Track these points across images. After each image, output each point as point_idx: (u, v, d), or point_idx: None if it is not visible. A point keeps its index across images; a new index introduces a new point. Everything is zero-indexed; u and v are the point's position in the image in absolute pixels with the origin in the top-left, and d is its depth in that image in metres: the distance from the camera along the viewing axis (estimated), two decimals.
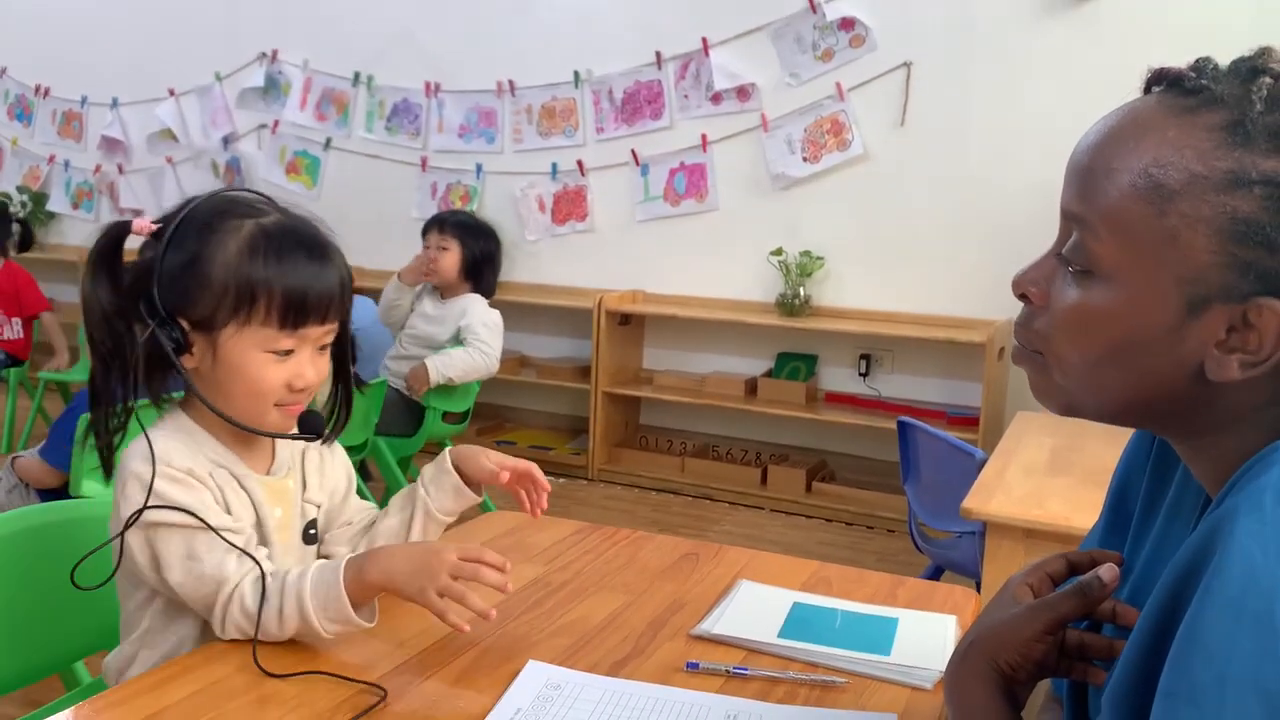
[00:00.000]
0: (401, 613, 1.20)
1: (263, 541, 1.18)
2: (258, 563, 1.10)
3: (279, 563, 1.18)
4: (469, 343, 3.36)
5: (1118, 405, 0.73)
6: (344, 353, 1.24)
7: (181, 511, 1.09)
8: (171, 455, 1.12)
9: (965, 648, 0.80)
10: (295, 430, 1.20)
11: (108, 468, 1.16)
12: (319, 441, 1.22)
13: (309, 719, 0.95)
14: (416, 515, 1.26)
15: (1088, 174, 0.73)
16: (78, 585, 1.10)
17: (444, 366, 3.29)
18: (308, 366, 1.16)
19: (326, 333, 1.17)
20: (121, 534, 1.10)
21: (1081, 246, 0.72)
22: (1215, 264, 0.65)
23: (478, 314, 3.42)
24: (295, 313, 1.12)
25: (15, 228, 4.18)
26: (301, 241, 1.15)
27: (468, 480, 1.28)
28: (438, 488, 1.27)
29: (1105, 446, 2.34)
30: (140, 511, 1.09)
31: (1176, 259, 0.67)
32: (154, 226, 1.15)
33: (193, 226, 1.13)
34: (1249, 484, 0.63)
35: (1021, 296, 0.78)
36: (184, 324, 1.12)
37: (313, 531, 1.26)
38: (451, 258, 3.47)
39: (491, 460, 1.29)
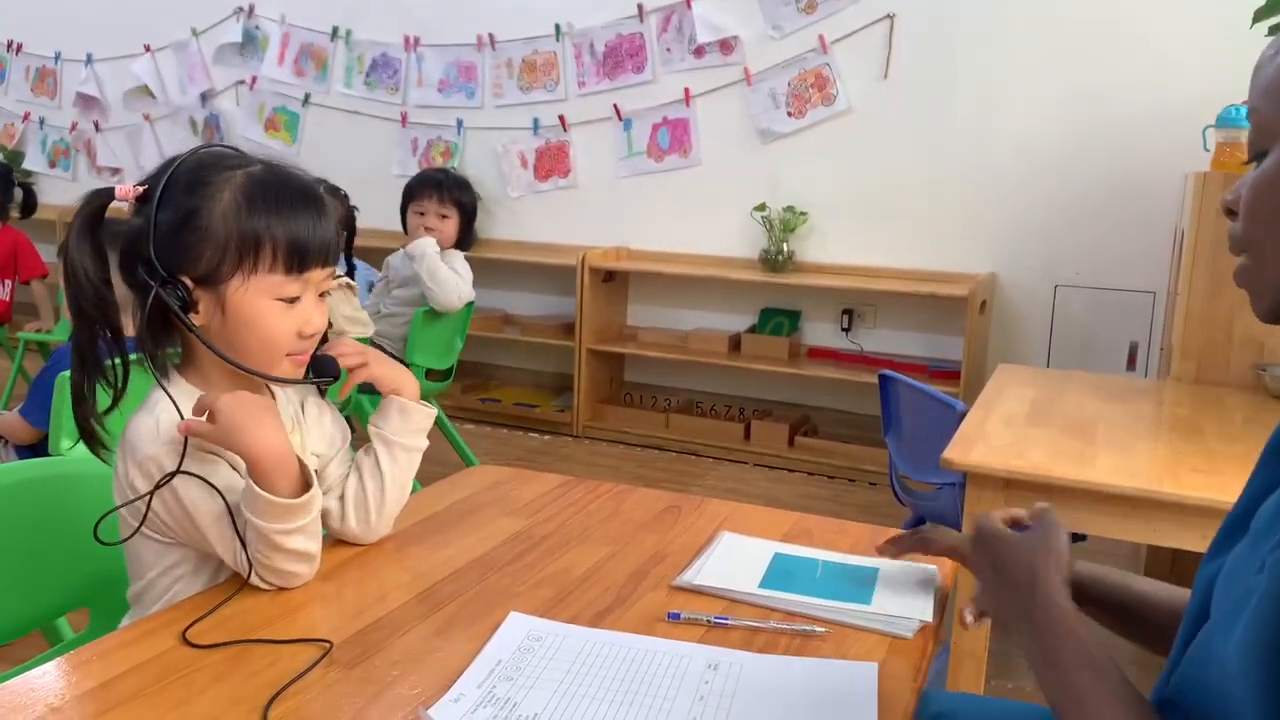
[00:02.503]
0: (366, 574, 1.20)
1: None
2: (238, 534, 1.10)
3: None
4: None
5: None
6: None
7: (207, 484, 1.10)
8: (167, 421, 1.11)
9: (1042, 572, 0.90)
10: (311, 376, 1.20)
11: (87, 437, 1.15)
12: (334, 383, 1.22)
13: (241, 684, 0.95)
14: (376, 448, 1.26)
15: (1255, 72, 0.79)
16: (101, 541, 1.11)
17: (435, 264, 3.28)
18: (314, 312, 1.16)
19: (327, 276, 1.17)
20: (146, 504, 1.10)
21: (1252, 131, 0.77)
22: None
23: (457, 261, 3.42)
24: (300, 257, 1.12)
25: (17, 192, 4.12)
26: (296, 187, 1.14)
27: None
28: (382, 415, 1.27)
29: (1085, 397, 2.36)
30: (172, 475, 1.08)
31: None
32: (139, 190, 1.14)
33: (181, 184, 1.12)
34: None
35: (1227, 212, 0.81)
36: (187, 282, 1.11)
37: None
38: (452, 225, 3.44)
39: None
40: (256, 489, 1.08)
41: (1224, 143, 2.66)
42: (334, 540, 1.28)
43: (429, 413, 1.29)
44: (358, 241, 3.91)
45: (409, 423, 1.27)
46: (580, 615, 1.11)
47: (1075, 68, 3.83)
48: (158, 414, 1.11)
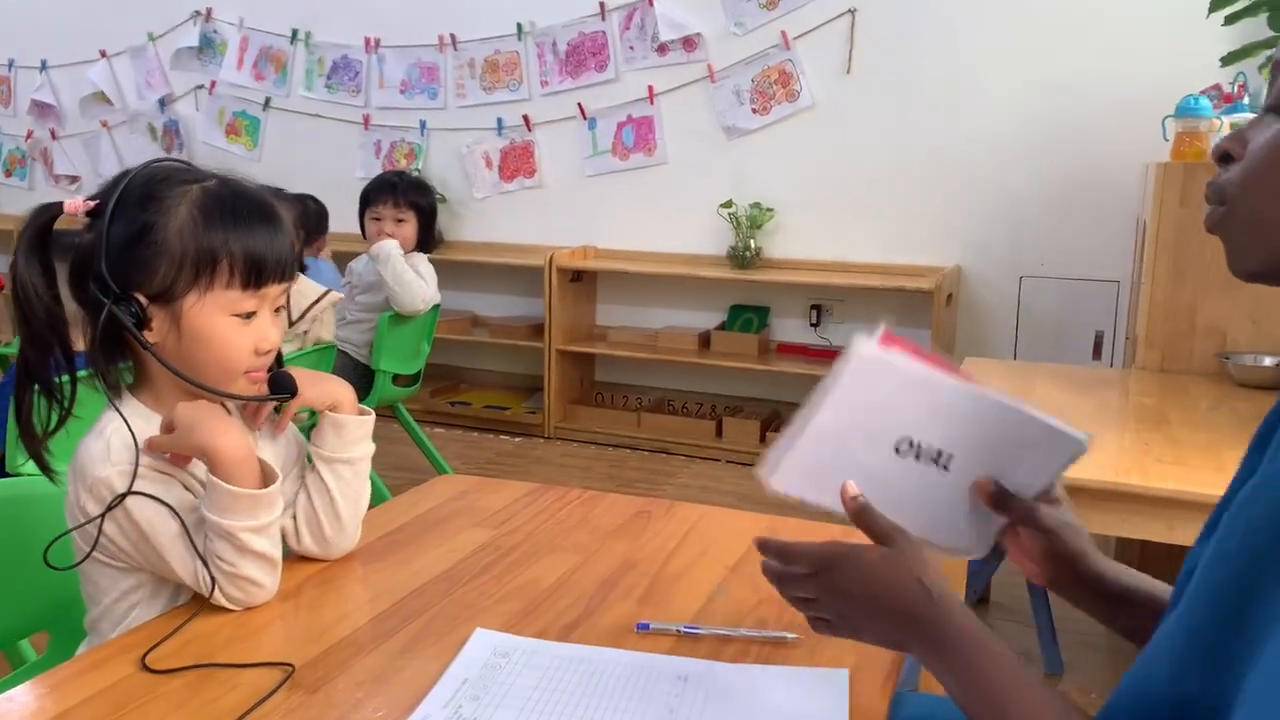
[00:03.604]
0: (328, 593, 1.18)
1: None
2: (199, 554, 1.08)
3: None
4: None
5: None
6: None
7: (160, 503, 1.08)
8: (130, 447, 1.08)
9: (932, 585, 0.84)
10: (269, 393, 1.18)
11: (37, 459, 1.12)
12: (291, 399, 1.19)
13: (201, 710, 0.93)
14: (318, 466, 1.23)
15: None
16: (51, 565, 1.09)
17: (400, 267, 3.25)
18: (271, 328, 1.14)
19: (283, 292, 1.16)
20: (99, 528, 1.08)
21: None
22: None
23: (421, 264, 3.39)
24: (258, 272, 1.10)
25: None
26: (252, 202, 1.13)
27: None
28: (318, 434, 1.24)
29: (1052, 389, 2.37)
30: (122, 497, 1.06)
31: None
32: (89, 204, 1.11)
33: (134, 198, 1.09)
34: None
35: (1221, 158, 0.76)
36: (141, 299, 1.09)
37: None
38: (410, 228, 3.39)
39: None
40: (220, 483, 1.06)
41: (1183, 132, 2.68)
42: (296, 558, 1.25)
43: (364, 421, 1.25)
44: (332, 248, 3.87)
45: (344, 437, 1.24)
46: (549, 629, 1.10)
47: (1036, 60, 3.85)
48: (108, 435, 1.09)
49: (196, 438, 1.07)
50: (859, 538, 0.90)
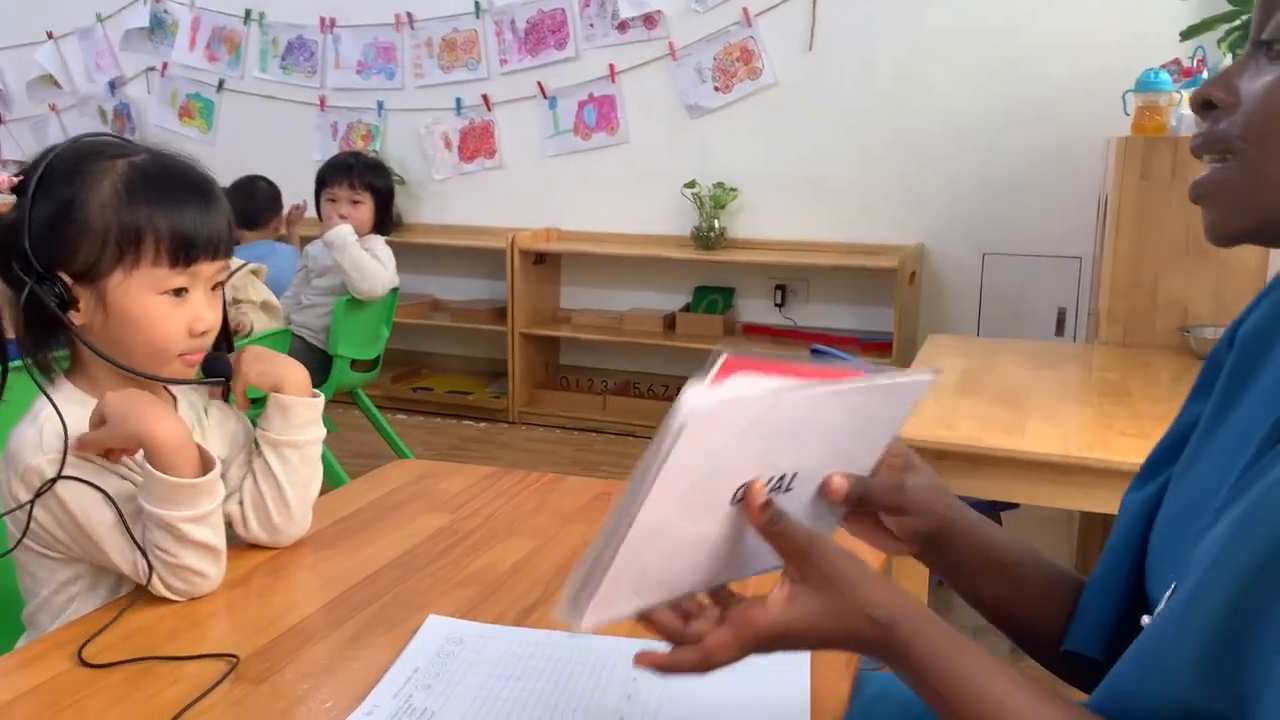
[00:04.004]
0: (276, 581, 1.15)
1: None
2: (133, 539, 1.04)
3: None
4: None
5: None
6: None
7: (93, 487, 1.04)
8: (53, 432, 1.04)
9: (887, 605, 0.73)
10: (202, 375, 1.13)
11: None
12: (227, 383, 1.16)
13: (141, 705, 0.89)
14: (264, 450, 1.19)
15: None
16: None
17: (356, 253, 3.20)
18: (205, 308, 1.09)
19: (219, 270, 1.11)
20: (29, 516, 1.03)
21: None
22: None
23: (378, 247, 3.33)
24: (186, 249, 1.06)
25: None
26: (182, 177, 1.09)
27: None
28: (264, 417, 1.20)
29: (1015, 365, 2.37)
30: (52, 482, 1.02)
31: None
32: (14, 180, 1.07)
33: (59, 173, 1.05)
34: None
35: (1203, 105, 0.70)
36: (65, 278, 1.05)
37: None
38: (366, 210, 3.32)
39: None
40: (157, 473, 1.02)
41: (1144, 107, 2.68)
42: (245, 546, 1.21)
43: (312, 403, 1.21)
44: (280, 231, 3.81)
45: (290, 420, 1.19)
46: (505, 614, 1.07)
47: (997, 36, 3.85)
48: (41, 423, 1.04)
49: (130, 427, 1.02)
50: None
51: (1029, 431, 1.85)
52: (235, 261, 1.19)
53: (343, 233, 3.21)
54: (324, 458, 1.26)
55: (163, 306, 1.07)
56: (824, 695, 0.93)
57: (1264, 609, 0.58)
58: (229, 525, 1.19)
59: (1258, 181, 0.66)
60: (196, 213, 1.06)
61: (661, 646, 0.76)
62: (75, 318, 1.06)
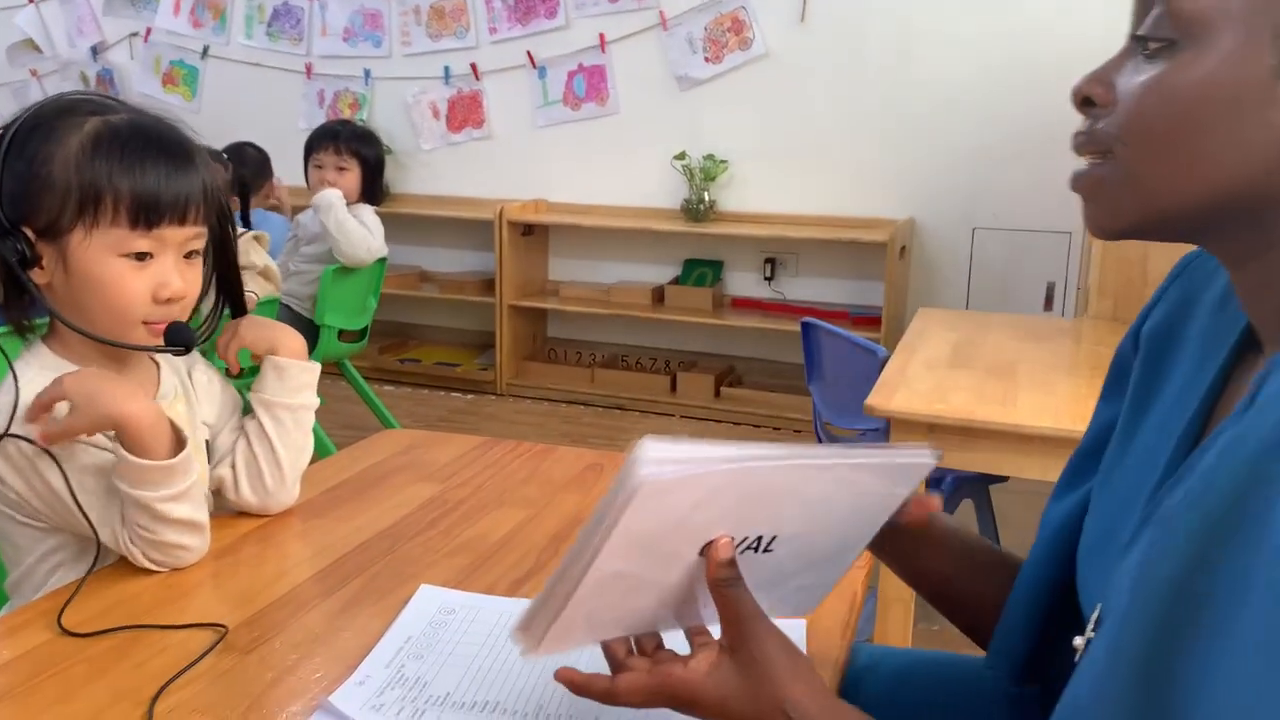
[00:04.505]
0: (265, 551, 1.14)
1: None
2: (86, 518, 1.02)
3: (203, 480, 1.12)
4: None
5: (1194, 198, 0.65)
6: (228, 263, 1.16)
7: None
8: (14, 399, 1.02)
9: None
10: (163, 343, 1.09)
11: None
12: (187, 353, 1.13)
13: (127, 675, 0.88)
14: (258, 412, 1.18)
15: None
16: None
17: (342, 216, 3.17)
18: (172, 274, 1.06)
19: (191, 237, 1.07)
20: None
21: (1165, 15, 0.64)
22: None
23: (367, 215, 3.32)
24: (147, 211, 1.02)
25: None
26: (153, 137, 1.05)
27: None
28: (259, 379, 1.20)
29: (1006, 339, 2.36)
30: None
31: (1274, 5, 0.61)
32: None
33: (35, 129, 1.03)
34: None
35: (1083, 102, 0.69)
36: (29, 234, 1.02)
37: (208, 453, 1.19)
38: (353, 178, 3.31)
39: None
40: (130, 456, 1.00)
41: None
42: (233, 514, 1.20)
43: (309, 368, 1.21)
44: (262, 201, 3.76)
45: (287, 382, 1.19)
46: (497, 584, 1.06)
47: (989, 9, 3.82)
48: (16, 390, 1.03)
49: (99, 410, 0.99)
50: None
51: (1021, 404, 1.85)
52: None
53: (329, 195, 3.20)
54: (313, 429, 1.24)
55: (124, 269, 1.04)
56: (820, 666, 0.93)
57: (1179, 651, 0.57)
58: (219, 491, 1.18)
59: (1135, 181, 0.66)
60: (163, 175, 1.03)
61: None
62: (38, 276, 1.04)
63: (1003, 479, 2.36)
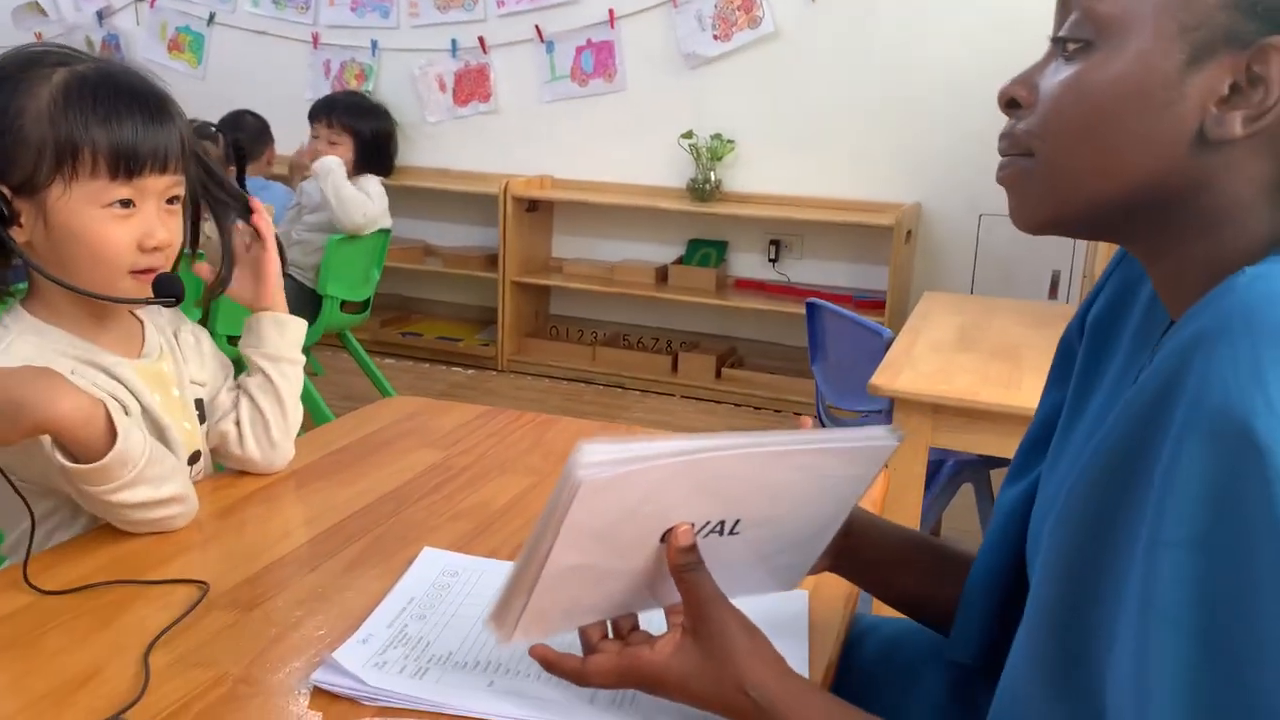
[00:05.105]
0: (270, 511, 1.14)
1: (154, 428, 1.09)
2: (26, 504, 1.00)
3: (176, 448, 1.10)
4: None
5: (1108, 193, 0.67)
6: (223, 201, 1.16)
7: None
8: (17, 361, 1.00)
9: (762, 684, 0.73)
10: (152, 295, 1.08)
11: None
12: (178, 304, 1.12)
13: (129, 628, 0.88)
14: (262, 366, 1.19)
15: None
16: None
17: (339, 181, 3.19)
18: (156, 223, 1.05)
19: (171, 185, 1.06)
20: None
21: (1082, 17, 0.67)
22: (1221, 4, 0.62)
23: (370, 185, 3.34)
24: (127, 160, 1.01)
25: None
26: (124, 86, 1.04)
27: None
28: (255, 335, 1.20)
29: (1011, 324, 2.35)
30: None
31: (1180, 4, 0.63)
32: None
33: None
34: (1213, 305, 0.57)
35: (1009, 104, 0.72)
36: (4, 191, 1.01)
37: (199, 412, 1.18)
38: (344, 152, 3.33)
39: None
40: (64, 462, 0.96)
41: None
42: (236, 475, 1.20)
43: (302, 324, 1.23)
44: (273, 169, 3.76)
45: (287, 335, 1.20)
46: (500, 549, 1.06)
47: None
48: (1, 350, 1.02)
49: (27, 418, 0.93)
50: None
51: (1025, 388, 1.85)
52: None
53: (328, 161, 3.24)
54: (312, 398, 1.26)
55: (107, 219, 1.02)
56: (823, 635, 0.93)
57: (1086, 610, 0.60)
58: (221, 448, 1.18)
59: (1052, 175, 0.68)
60: (139, 123, 1.02)
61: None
62: (18, 234, 1.02)
63: (1004, 463, 2.36)
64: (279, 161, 3.80)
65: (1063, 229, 0.71)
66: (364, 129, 3.38)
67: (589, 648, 0.77)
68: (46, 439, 0.97)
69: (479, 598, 0.94)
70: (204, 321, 1.37)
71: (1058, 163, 0.68)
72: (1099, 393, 0.78)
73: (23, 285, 1.09)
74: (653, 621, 0.80)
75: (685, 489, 0.71)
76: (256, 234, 1.20)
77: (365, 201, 3.24)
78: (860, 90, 4.02)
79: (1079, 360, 0.83)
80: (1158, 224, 0.67)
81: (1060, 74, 0.68)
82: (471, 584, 0.96)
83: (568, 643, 0.77)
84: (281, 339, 1.19)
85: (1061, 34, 0.68)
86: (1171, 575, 0.54)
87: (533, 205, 4.38)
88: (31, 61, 1.03)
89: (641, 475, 0.68)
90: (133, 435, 0.99)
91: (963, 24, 3.85)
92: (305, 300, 3.21)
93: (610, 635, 0.78)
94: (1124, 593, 0.57)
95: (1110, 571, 0.59)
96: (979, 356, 2.06)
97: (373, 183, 3.32)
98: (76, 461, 0.96)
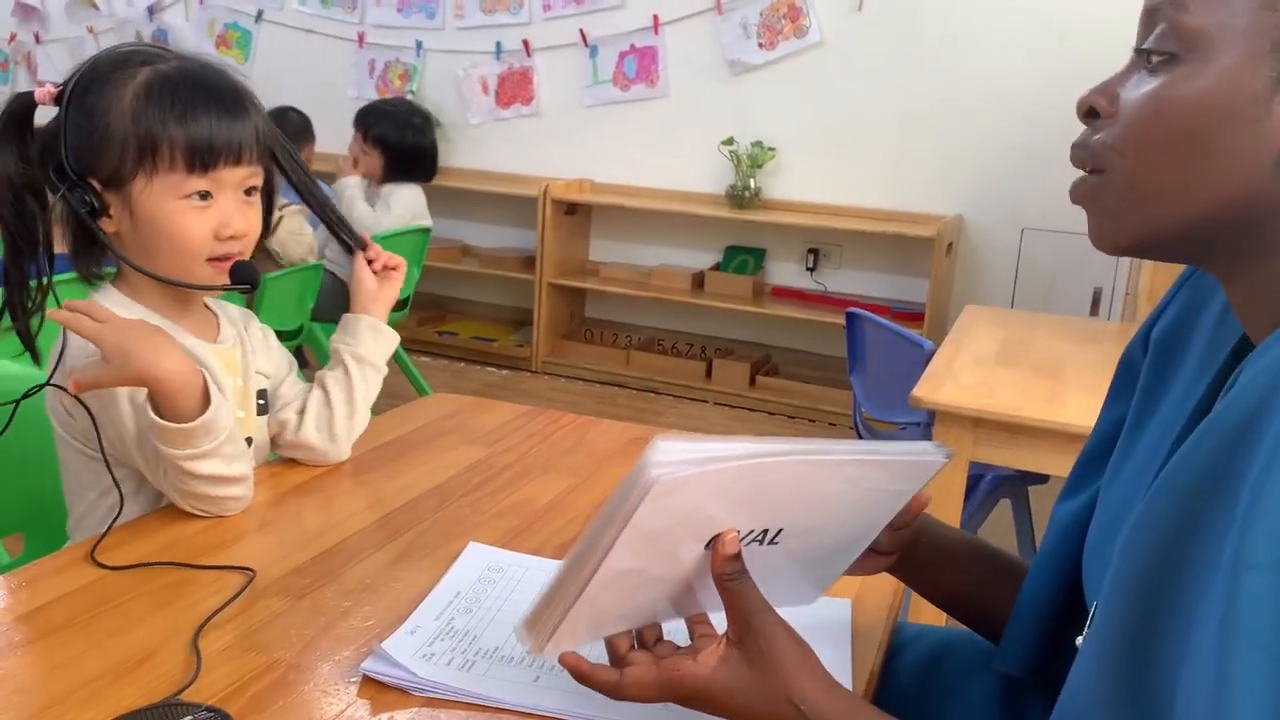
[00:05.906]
0: (321, 501, 1.15)
1: None
2: (110, 470, 1.04)
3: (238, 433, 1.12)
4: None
5: (1189, 212, 0.65)
6: (307, 191, 1.23)
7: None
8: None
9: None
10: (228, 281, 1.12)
11: (31, 350, 1.10)
12: (253, 290, 1.15)
13: (182, 612, 0.90)
14: (348, 364, 1.23)
15: None
16: None
17: (349, 204, 3.40)
18: (233, 213, 1.09)
19: (247, 176, 1.10)
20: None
21: (1168, 30, 0.65)
22: None
23: (392, 194, 3.53)
24: (203, 154, 1.06)
25: None
26: (203, 83, 1.08)
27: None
28: (350, 334, 1.25)
29: (1054, 339, 2.34)
30: (40, 387, 1.03)
31: (1274, 22, 0.61)
32: (54, 90, 1.08)
33: (91, 82, 1.06)
34: None
35: (1088, 113, 0.70)
36: (95, 185, 1.06)
37: (263, 402, 1.20)
38: (374, 162, 3.56)
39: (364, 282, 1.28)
40: (155, 417, 1.00)
41: None
42: (286, 463, 1.22)
43: (395, 337, 1.28)
44: (314, 167, 3.80)
45: (381, 343, 1.26)
46: (543, 547, 1.07)
47: (1046, 7, 3.77)
48: (64, 338, 1.05)
49: (131, 367, 0.98)
50: None
51: (1069, 404, 1.83)
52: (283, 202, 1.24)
53: (344, 183, 3.46)
54: None
55: (185, 209, 1.07)
56: (866, 643, 0.92)
57: (1156, 632, 0.59)
58: (280, 434, 1.20)
59: (1132, 192, 0.67)
60: (215, 118, 1.06)
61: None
62: (107, 225, 1.08)
63: (1042, 479, 2.34)
64: (318, 159, 3.84)
65: (1146, 249, 0.69)
66: (394, 141, 3.53)
67: (618, 659, 0.74)
68: (141, 393, 1.01)
69: (524, 594, 0.94)
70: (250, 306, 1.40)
71: (1137, 178, 0.66)
72: (1163, 409, 0.77)
73: (111, 269, 1.14)
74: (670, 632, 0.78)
75: (741, 494, 0.70)
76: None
77: (372, 219, 3.41)
78: (904, 101, 4.00)
79: (1143, 377, 0.82)
80: (1238, 243, 0.66)
81: (1143, 86, 0.66)
82: (516, 580, 0.97)
83: (596, 654, 0.75)
84: (375, 344, 1.25)
85: (1146, 45, 0.67)
86: (1255, 597, 0.53)
87: (571, 208, 4.39)
88: (120, 61, 1.07)
89: (709, 478, 0.66)
90: (222, 408, 1.03)
91: (1009, 36, 3.83)
92: (344, 295, 3.23)
93: (635, 646, 0.76)
94: (1199, 612, 0.57)
95: (1186, 592, 0.58)
96: (1021, 371, 2.04)
97: (401, 192, 3.46)
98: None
